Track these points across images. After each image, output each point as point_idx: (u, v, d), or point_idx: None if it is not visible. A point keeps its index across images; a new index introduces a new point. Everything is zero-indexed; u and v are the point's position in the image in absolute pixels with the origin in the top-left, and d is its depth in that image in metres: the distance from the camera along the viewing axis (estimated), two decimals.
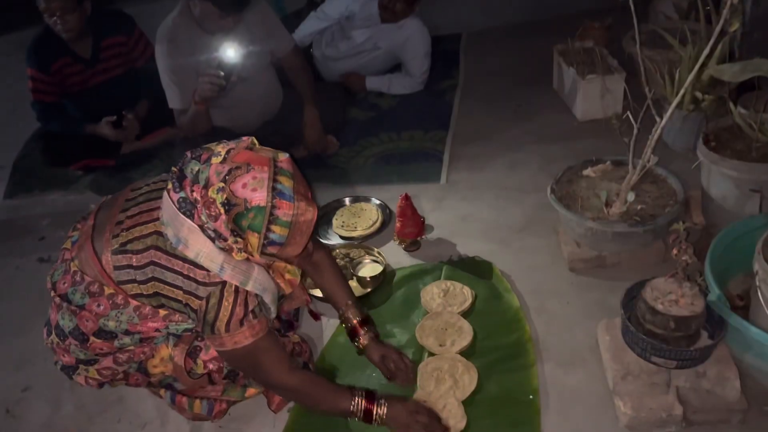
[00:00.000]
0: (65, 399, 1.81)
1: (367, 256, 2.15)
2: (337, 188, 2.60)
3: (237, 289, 1.33)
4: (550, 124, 2.83)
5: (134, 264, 1.34)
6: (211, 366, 1.52)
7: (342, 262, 2.14)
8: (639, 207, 1.88)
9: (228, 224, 1.26)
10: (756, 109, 1.87)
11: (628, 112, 1.82)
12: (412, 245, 2.20)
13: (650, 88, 1.80)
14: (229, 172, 1.24)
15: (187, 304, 1.34)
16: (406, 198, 2.14)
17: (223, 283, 1.33)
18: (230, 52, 2.43)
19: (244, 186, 1.23)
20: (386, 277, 2.07)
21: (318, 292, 2.03)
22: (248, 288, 1.34)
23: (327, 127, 2.78)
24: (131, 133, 2.84)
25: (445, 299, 1.92)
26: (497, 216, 2.32)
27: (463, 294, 1.93)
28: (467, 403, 1.60)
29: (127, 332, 1.42)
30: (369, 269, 2.09)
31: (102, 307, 1.38)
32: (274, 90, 2.79)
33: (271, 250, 1.28)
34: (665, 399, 1.48)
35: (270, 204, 1.23)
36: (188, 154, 1.34)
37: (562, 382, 1.65)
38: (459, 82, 3.35)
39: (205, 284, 1.32)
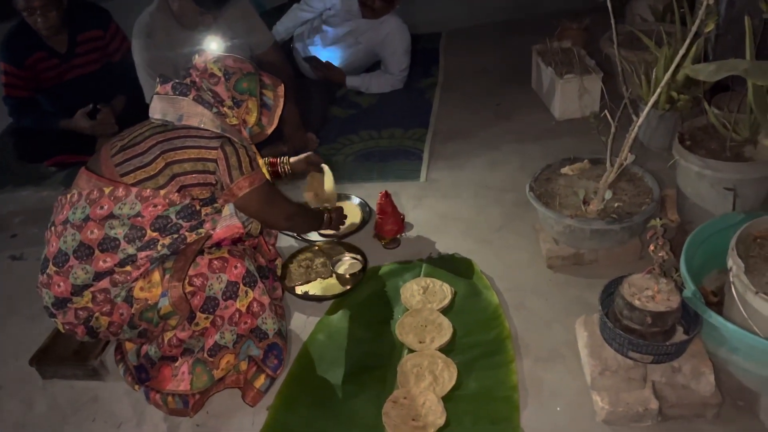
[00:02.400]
0: (38, 398, 1.78)
1: (346, 254, 2.14)
2: None
3: (241, 143, 1.60)
4: (528, 123, 2.85)
5: (138, 151, 1.53)
6: (197, 282, 1.55)
7: (321, 260, 2.13)
8: (616, 205, 1.90)
9: (228, 88, 1.61)
10: (730, 109, 1.90)
11: (606, 111, 1.83)
12: (392, 243, 2.20)
13: (627, 88, 1.82)
14: (217, 57, 1.65)
15: (201, 158, 1.53)
16: (386, 195, 2.14)
17: (228, 137, 1.57)
18: (208, 47, 2.40)
19: (234, 61, 1.65)
20: (366, 274, 2.06)
21: (299, 290, 2.02)
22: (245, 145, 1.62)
23: (307, 124, 2.77)
24: (106, 125, 2.78)
25: (424, 296, 1.92)
26: (477, 214, 2.33)
27: (442, 291, 1.94)
28: (447, 400, 1.60)
29: (129, 236, 1.50)
30: (349, 266, 2.09)
31: (105, 208, 1.50)
32: None
33: (264, 117, 1.69)
34: (642, 394, 1.50)
35: (257, 71, 1.67)
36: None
37: (540, 378, 1.66)
38: (439, 80, 3.36)
39: (213, 138, 1.55)
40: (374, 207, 2.22)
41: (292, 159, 2.15)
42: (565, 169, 2.08)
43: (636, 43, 2.56)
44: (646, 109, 1.67)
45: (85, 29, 2.79)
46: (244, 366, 1.69)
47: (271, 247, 1.96)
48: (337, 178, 2.62)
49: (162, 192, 1.51)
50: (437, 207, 2.40)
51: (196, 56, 1.67)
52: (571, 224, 1.88)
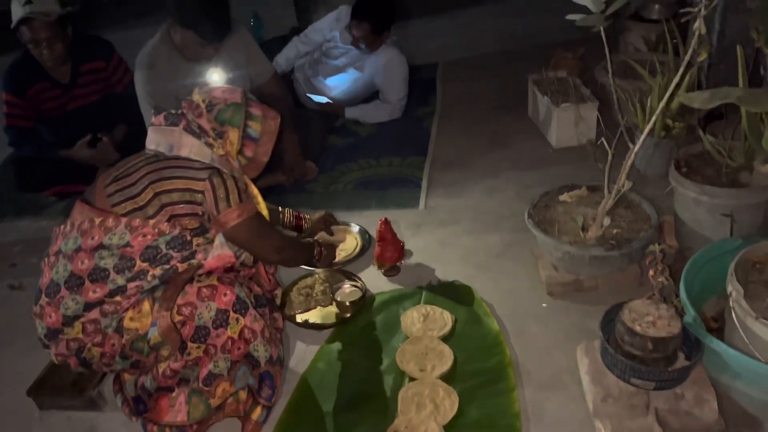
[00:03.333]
0: (35, 429, 1.75)
1: (346, 281, 2.14)
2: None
3: (230, 174, 1.59)
4: (525, 151, 2.88)
5: (129, 182, 1.54)
6: (185, 311, 1.53)
7: (321, 287, 2.13)
8: (615, 231, 1.91)
9: (210, 120, 1.59)
10: (725, 137, 1.93)
11: (603, 139, 1.86)
12: (391, 270, 2.20)
13: (623, 116, 1.85)
14: (207, 89, 1.65)
15: (189, 189, 1.53)
16: (386, 223, 2.14)
17: (217, 168, 1.56)
18: (209, 78, 2.43)
19: (222, 92, 1.64)
20: (366, 301, 2.06)
21: (300, 318, 2.01)
22: (234, 176, 1.60)
23: (306, 153, 2.79)
24: (107, 155, 2.79)
25: (425, 324, 1.92)
26: (475, 241, 2.34)
27: (443, 318, 1.93)
28: (448, 428, 1.59)
29: (118, 267, 1.50)
30: (348, 294, 2.08)
31: (95, 239, 1.51)
32: None
33: (247, 150, 1.65)
34: (645, 421, 1.48)
35: (244, 102, 1.63)
36: None
37: (542, 405, 1.65)
38: (436, 109, 3.40)
39: (201, 169, 1.55)
40: (374, 234, 2.22)
41: (312, 217, 2.26)
42: (564, 197, 2.10)
43: (630, 72, 2.60)
44: (642, 136, 1.70)
45: (88, 60, 2.82)
46: (243, 395, 1.67)
47: (270, 277, 1.93)
48: (337, 207, 2.66)
49: (151, 222, 1.52)
50: (436, 234, 2.40)
51: (196, 90, 1.68)
52: (570, 251, 1.88)
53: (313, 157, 2.88)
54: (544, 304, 1.98)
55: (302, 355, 1.89)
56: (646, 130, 1.71)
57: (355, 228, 2.43)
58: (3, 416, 1.81)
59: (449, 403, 1.65)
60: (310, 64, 3.35)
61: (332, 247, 2.14)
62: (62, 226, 1.58)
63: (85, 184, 2.77)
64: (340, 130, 3.25)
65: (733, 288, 1.46)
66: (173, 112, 1.61)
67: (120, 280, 1.50)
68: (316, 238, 2.22)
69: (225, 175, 1.56)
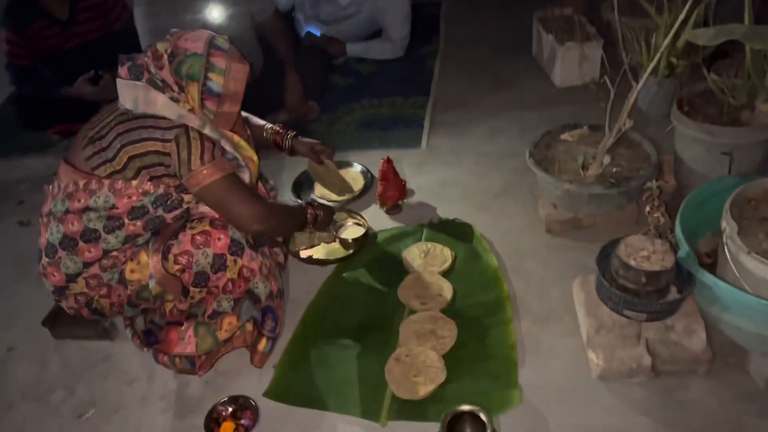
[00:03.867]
0: (51, 358, 1.83)
1: (349, 219, 2.17)
2: None
3: (198, 131, 1.49)
4: (529, 91, 2.87)
5: (104, 146, 1.49)
6: (182, 260, 1.57)
7: None
8: (614, 170, 1.93)
9: (172, 73, 1.47)
10: (728, 75, 1.92)
11: (606, 78, 1.85)
12: (393, 208, 2.24)
13: (627, 55, 1.84)
14: (174, 33, 1.51)
15: (157, 152, 1.47)
16: (388, 161, 2.17)
17: (185, 126, 1.48)
18: (210, 14, 2.40)
19: (186, 40, 1.48)
20: (368, 239, 2.10)
21: (304, 254, 2.06)
22: (206, 131, 1.49)
23: (308, 92, 2.78)
24: (108, 92, 2.79)
25: (426, 260, 1.97)
26: (477, 181, 2.37)
27: (443, 255, 1.98)
28: (447, 358, 1.66)
29: (108, 227, 1.51)
30: (352, 232, 2.12)
31: (81, 201, 1.51)
32: (254, 54, 2.76)
33: (209, 104, 1.50)
34: (635, 351, 1.55)
35: (206, 53, 1.46)
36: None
37: (538, 337, 1.72)
38: (439, 48, 3.35)
39: (169, 128, 1.47)
40: (376, 174, 2.24)
41: (302, 139, 2.04)
42: (565, 136, 2.11)
43: (637, 9, 2.55)
44: (645, 74, 1.70)
45: None
46: (249, 327, 1.73)
47: None
48: (339, 147, 2.66)
49: (134, 183, 1.50)
50: (438, 174, 2.43)
51: (168, 36, 1.54)
52: (569, 189, 1.91)
53: (315, 96, 2.87)
54: (543, 242, 2.02)
55: (306, 289, 1.94)
56: (650, 68, 1.71)
57: (358, 167, 2.45)
58: (20, 346, 1.89)
59: (448, 334, 1.71)
60: (311, 2, 3.29)
61: (330, 210, 1.95)
62: (52, 186, 1.59)
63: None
64: (342, 69, 3.22)
65: (727, 224, 1.49)
66: (137, 62, 1.51)
67: (112, 240, 1.53)
68: (312, 198, 2.17)
69: (192, 134, 1.48)
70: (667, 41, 1.68)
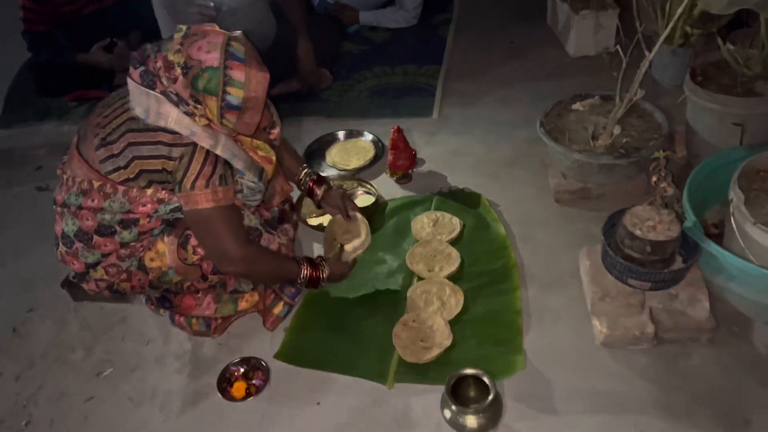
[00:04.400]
0: (70, 319, 1.90)
1: (360, 188, 2.21)
2: (331, 122, 2.63)
3: (208, 152, 1.43)
4: (542, 61, 2.85)
5: (115, 152, 1.44)
6: (201, 251, 1.59)
7: None
8: (624, 140, 1.93)
9: (186, 87, 1.36)
10: (743, 45, 1.89)
11: (618, 47, 1.84)
12: (403, 177, 2.26)
13: (641, 23, 1.82)
14: (187, 37, 1.36)
15: (164, 170, 1.43)
16: (398, 131, 2.17)
17: (195, 145, 1.42)
18: None
19: (200, 49, 1.34)
20: (378, 207, 2.13)
21: (313, 221, 2.10)
22: (218, 151, 1.43)
23: (320, 60, 2.79)
24: (123, 60, 2.82)
25: (434, 228, 1.99)
26: (487, 150, 2.37)
27: (452, 224, 2.00)
28: (453, 323, 1.70)
29: (123, 224, 1.50)
30: (362, 200, 2.15)
31: (95, 201, 1.47)
32: (267, 22, 2.76)
33: (229, 117, 1.40)
34: (639, 319, 1.58)
35: (223, 65, 1.34)
36: (148, 45, 1.44)
37: (543, 304, 1.74)
38: (453, 16, 3.33)
39: (177, 145, 1.41)
40: (387, 143, 2.26)
41: (335, 191, 1.91)
42: (576, 105, 2.11)
43: None
44: (658, 42, 1.69)
45: None
46: (266, 291, 1.77)
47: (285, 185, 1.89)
48: (351, 115, 2.67)
49: (148, 192, 1.47)
50: (449, 143, 2.44)
51: (176, 38, 1.39)
52: (579, 159, 1.92)
53: (328, 64, 2.88)
54: (552, 211, 2.04)
55: (316, 255, 1.98)
56: (663, 35, 1.70)
57: (369, 136, 2.47)
58: (40, 307, 1.96)
59: (455, 300, 1.75)
60: None
61: (336, 267, 1.76)
62: (65, 175, 1.53)
63: (103, 90, 2.85)
64: (354, 37, 3.22)
65: (735, 195, 1.50)
66: (149, 69, 1.40)
67: (126, 234, 1.52)
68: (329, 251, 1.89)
69: (198, 155, 1.42)
70: (681, 9, 1.67)
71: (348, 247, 1.84)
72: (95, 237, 1.51)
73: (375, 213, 2.11)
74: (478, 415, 1.43)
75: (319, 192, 1.88)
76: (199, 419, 1.58)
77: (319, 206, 1.88)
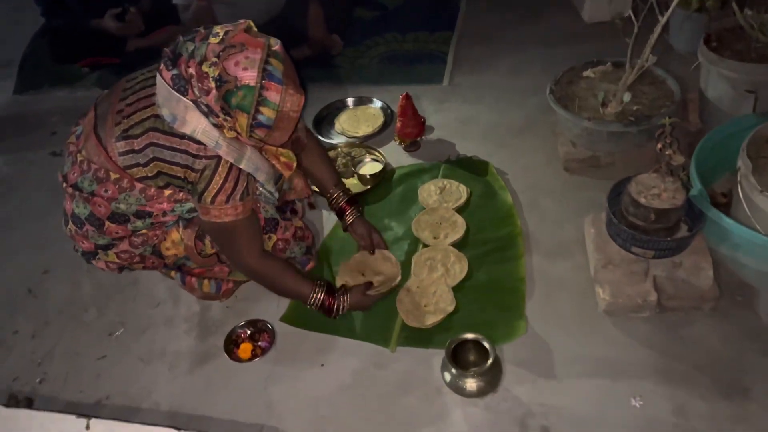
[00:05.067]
0: (83, 280, 1.95)
1: (368, 155, 2.21)
2: (341, 88, 2.63)
3: (231, 166, 1.40)
4: (556, 27, 2.81)
5: (136, 148, 1.40)
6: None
7: (344, 161, 2.21)
8: (635, 107, 1.91)
9: (218, 100, 1.30)
10: (759, 11, 1.85)
11: (630, 12, 1.81)
12: (411, 145, 2.26)
13: None
14: (224, 49, 1.27)
15: (185, 179, 1.41)
16: (407, 98, 2.17)
17: (219, 158, 1.39)
18: None
19: (237, 64, 1.27)
20: (386, 175, 2.14)
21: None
22: (242, 166, 1.40)
23: (331, 26, 2.77)
24: (134, 27, 2.83)
25: (441, 196, 2.00)
26: (498, 118, 2.36)
27: (459, 191, 2.01)
28: (457, 290, 1.72)
29: (137, 214, 1.50)
30: (369, 167, 2.17)
31: (110, 192, 1.45)
32: None
33: (258, 132, 1.35)
34: (642, 287, 1.58)
35: (259, 85, 1.27)
36: (181, 37, 1.38)
37: (548, 272, 1.75)
38: None
39: (200, 157, 1.38)
40: (396, 110, 2.25)
41: (364, 220, 1.83)
42: (587, 72, 2.08)
43: None
44: (672, 6, 1.65)
45: None
46: None
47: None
48: (361, 81, 2.66)
49: (166, 193, 1.47)
50: (459, 110, 2.43)
51: (209, 48, 1.30)
52: (588, 126, 1.90)
53: (339, 30, 2.86)
54: (561, 180, 2.04)
55: (324, 223, 2.00)
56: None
57: (378, 104, 2.47)
58: (55, 269, 2.01)
59: (459, 267, 1.76)
60: None
61: (366, 297, 1.68)
62: (79, 156, 1.47)
63: (116, 56, 2.86)
64: (366, 2, 3.17)
65: (743, 163, 1.49)
66: (182, 74, 1.34)
67: (140, 224, 1.53)
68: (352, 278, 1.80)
69: (221, 169, 1.40)
70: None
71: (376, 283, 1.74)
72: (107, 223, 1.50)
73: (382, 180, 2.12)
74: (477, 379, 1.46)
75: (349, 217, 1.79)
76: (207, 378, 1.63)
77: (345, 230, 1.82)
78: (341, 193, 1.78)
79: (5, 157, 2.58)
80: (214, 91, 1.29)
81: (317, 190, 1.84)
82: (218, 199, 1.41)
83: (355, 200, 1.81)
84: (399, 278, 1.75)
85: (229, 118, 1.32)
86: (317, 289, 1.60)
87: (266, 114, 1.30)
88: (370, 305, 1.68)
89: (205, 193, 1.41)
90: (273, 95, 1.29)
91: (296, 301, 1.75)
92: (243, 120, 1.31)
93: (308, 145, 1.73)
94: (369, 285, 1.70)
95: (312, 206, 1.88)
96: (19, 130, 2.71)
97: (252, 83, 1.27)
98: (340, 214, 1.79)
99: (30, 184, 2.40)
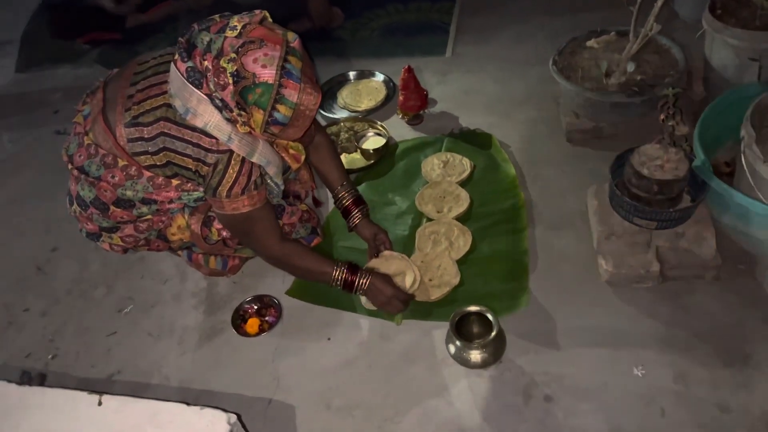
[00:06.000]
0: (91, 258, 1.97)
1: (370, 129, 2.21)
2: (342, 62, 2.62)
3: (243, 160, 1.40)
4: None
5: (145, 136, 1.40)
6: (224, 233, 1.64)
7: (346, 135, 2.20)
8: (639, 77, 1.89)
9: (234, 96, 1.29)
10: None
11: None
12: (414, 119, 2.25)
13: None
14: (243, 45, 1.26)
15: (196, 171, 1.42)
16: (409, 70, 2.16)
17: (231, 152, 1.39)
18: None
19: (255, 61, 1.26)
20: (389, 149, 2.14)
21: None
22: (254, 160, 1.41)
23: None
24: (129, 6, 2.83)
25: (444, 170, 2.00)
26: (501, 89, 2.35)
27: (462, 165, 2.01)
28: (461, 263, 1.73)
29: (144, 201, 1.51)
30: (372, 142, 2.16)
31: (117, 178, 1.46)
32: None
33: (273, 129, 1.34)
34: (645, 257, 1.59)
35: (277, 83, 1.26)
36: (195, 25, 1.36)
37: (551, 243, 1.77)
38: None
39: (213, 151, 1.38)
40: (398, 83, 2.24)
41: (370, 222, 1.79)
42: (591, 42, 2.06)
43: None
44: None
45: None
46: None
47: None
48: (363, 54, 2.64)
49: (174, 182, 1.48)
50: (461, 82, 2.41)
51: (227, 42, 1.29)
52: (591, 97, 1.90)
53: (340, 2, 2.83)
54: (563, 151, 2.04)
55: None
56: None
57: (380, 77, 2.45)
58: (63, 247, 2.04)
59: (463, 240, 1.78)
60: None
61: (376, 278, 1.60)
62: (86, 138, 1.47)
63: (116, 33, 2.85)
64: None
65: (746, 132, 1.48)
66: (197, 67, 1.32)
67: (145, 209, 1.54)
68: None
69: (234, 162, 1.40)
70: None
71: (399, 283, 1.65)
72: (112, 207, 1.52)
73: (385, 155, 2.12)
74: (481, 350, 1.48)
75: (355, 217, 1.76)
76: (215, 352, 1.66)
77: (350, 230, 1.79)
78: (347, 193, 1.75)
79: (10, 135, 2.58)
80: (230, 87, 1.28)
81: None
82: (233, 192, 1.42)
83: (362, 200, 1.78)
84: (416, 283, 1.66)
85: (243, 114, 1.32)
86: (341, 267, 1.58)
87: (282, 112, 1.30)
88: (387, 299, 1.59)
89: (220, 188, 1.41)
90: (291, 93, 1.28)
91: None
92: (259, 116, 1.31)
93: (317, 139, 1.72)
94: (399, 291, 1.61)
95: (317, 202, 1.89)
96: (23, 109, 2.71)
97: (270, 81, 1.26)
98: (346, 214, 1.77)
99: (36, 163, 2.41)
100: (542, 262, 1.72)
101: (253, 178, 1.43)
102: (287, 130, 1.35)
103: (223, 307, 1.75)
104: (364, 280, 1.58)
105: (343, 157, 2.14)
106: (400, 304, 1.60)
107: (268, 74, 1.26)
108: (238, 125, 1.35)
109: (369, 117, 2.29)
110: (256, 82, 1.26)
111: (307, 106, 1.31)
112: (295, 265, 1.60)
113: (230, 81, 1.28)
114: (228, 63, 1.27)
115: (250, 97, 1.28)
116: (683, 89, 1.83)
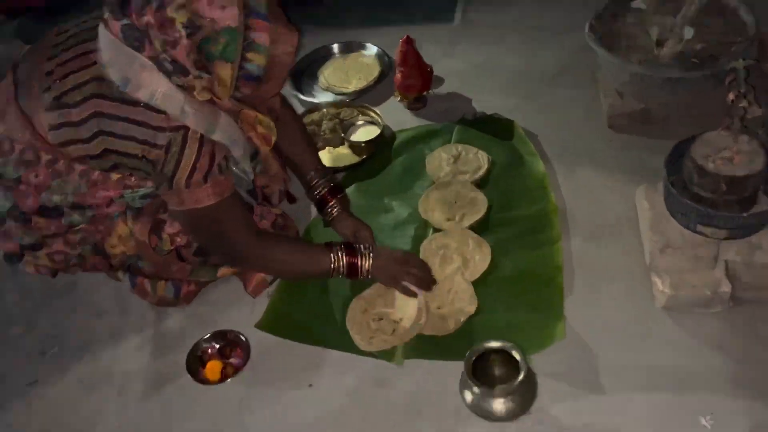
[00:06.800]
0: (7, 287, 1.96)
1: (361, 117, 2.20)
2: (325, 32, 2.63)
3: (202, 137, 1.37)
4: None
5: (74, 120, 1.37)
6: (179, 240, 1.61)
7: (330, 125, 2.19)
8: (699, 46, 1.89)
9: (190, 52, 1.28)
10: None
11: None
12: (416, 102, 2.25)
13: None
14: None
15: (144, 157, 1.38)
16: (408, 41, 2.15)
17: (186, 129, 1.36)
18: None
19: (211, 3, 1.24)
20: (385, 141, 2.13)
21: None
22: (215, 137, 1.39)
23: None
24: None
25: (455, 166, 1.99)
26: (523, 63, 2.37)
27: (477, 159, 2.00)
28: (478, 285, 1.70)
29: (74, 206, 1.49)
30: (364, 132, 2.15)
31: (40, 178, 1.44)
32: None
33: (245, 88, 1.35)
34: (711, 275, 1.56)
35: (243, 24, 1.26)
36: None
37: (591, 258, 1.74)
38: None
39: (163, 129, 1.35)
40: (394, 57, 2.22)
41: (350, 216, 1.79)
42: (637, 2, 2.06)
43: None
44: None
45: None
46: None
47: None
48: (350, 21, 2.63)
49: (113, 176, 1.46)
50: (474, 56, 2.42)
51: None
52: (639, 71, 1.89)
53: None
54: (604, 140, 2.03)
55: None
56: None
57: (373, 49, 2.44)
58: None
59: (480, 256, 1.75)
60: None
61: (380, 254, 1.65)
62: None
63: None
64: None
65: None
66: (135, 24, 1.31)
67: (77, 217, 1.51)
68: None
69: (191, 141, 1.37)
70: None
71: (400, 329, 1.64)
72: (35, 218, 1.50)
73: (380, 148, 2.10)
74: (506, 398, 1.45)
75: (332, 210, 1.76)
76: (166, 405, 1.63)
77: (327, 225, 1.80)
78: (322, 180, 1.76)
79: None
80: (184, 41, 1.27)
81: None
82: (194, 180, 1.39)
83: (340, 189, 1.79)
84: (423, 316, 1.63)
85: (205, 75, 1.31)
86: (338, 253, 1.59)
87: (256, 61, 1.30)
88: (402, 278, 1.62)
89: (176, 176, 1.38)
90: (262, 36, 1.28)
91: (274, 303, 1.75)
92: (226, 73, 1.30)
93: (282, 116, 1.68)
94: (410, 256, 1.67)
95: (291, 199, 1.88)
96: None
97: (233, 24, 1.25)
98: (321, 205, 1.77)
99: None
100: (580, 282, 1.70)
101: (216, 161, 1.41)
102: (261, 87, 1.36)
103: (176, 347, 1.72)
104: (367, 253, 1.61)
105: (327, 153, 2.13)
106: (420, 271, 1.63)
107: (229, 16, 1.25)
108: (195, 92, 1.33)
109: (359, 101, 2.27)
110: (217, 28, 1.25)
111: (284, 50, 1.32)
112: (280, 259, 1.60)
113: (183, 33, 1.26)
114: (177, 11, 1.25)
115: (213, 49, 1.27)
116: (756, 61, 1.81)
